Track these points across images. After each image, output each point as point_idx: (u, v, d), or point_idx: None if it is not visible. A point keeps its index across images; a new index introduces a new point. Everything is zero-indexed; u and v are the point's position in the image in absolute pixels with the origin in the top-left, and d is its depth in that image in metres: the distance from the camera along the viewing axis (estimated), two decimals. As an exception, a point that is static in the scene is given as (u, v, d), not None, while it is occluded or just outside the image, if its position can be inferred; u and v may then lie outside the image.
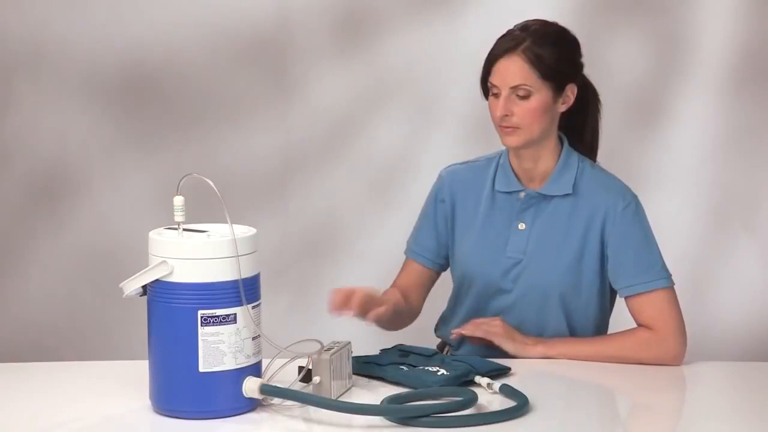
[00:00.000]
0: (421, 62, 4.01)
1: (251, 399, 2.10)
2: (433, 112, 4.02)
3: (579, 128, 2.62)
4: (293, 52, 4.12)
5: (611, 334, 2.58)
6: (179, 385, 2.08)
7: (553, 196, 2.54)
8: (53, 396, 2.26)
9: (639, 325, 2.50)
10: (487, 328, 2.51)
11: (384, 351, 2.40)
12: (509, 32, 2.52)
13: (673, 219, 4.02)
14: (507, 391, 2.16)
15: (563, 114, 2.56)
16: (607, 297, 2.60)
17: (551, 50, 2.49)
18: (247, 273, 2.08)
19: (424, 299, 2.72)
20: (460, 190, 2.64)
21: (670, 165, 4.01)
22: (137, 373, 2.22)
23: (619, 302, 2.62)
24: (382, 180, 4.08)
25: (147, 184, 4.11)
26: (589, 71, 2.65)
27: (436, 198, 2.67)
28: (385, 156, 4.07)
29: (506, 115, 2.48)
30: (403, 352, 2.38)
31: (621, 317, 2.60)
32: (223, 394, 2.08)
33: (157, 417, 2.11)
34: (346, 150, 4.09)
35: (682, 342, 2.47)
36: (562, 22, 2.64)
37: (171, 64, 4.13)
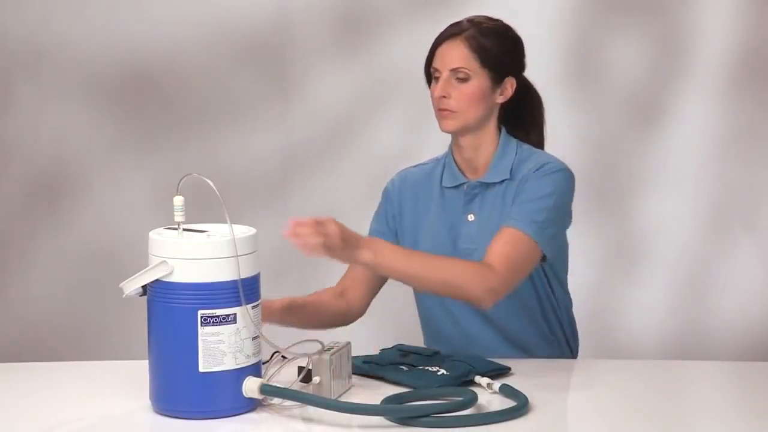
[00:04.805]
0: (421, 62, 4.01)
1: (251, 399, 2.10)
2: (432, 112, 4.02)
3: (525, 131, 2.62)
4: (293, 52, 4.12)
5: (447, 258, 2.50)
6: (179, 385, 2.08)
7: (493, 184, 2.55)
8: (53, 396, 2.26)
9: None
10: (326, 240, 2.22)
11: (384, 351, 2.40)
12: (456, 22, 2.57)
13: (673, 219, 4.02)
14: (507, 391, 2.16)
15: (503, 108, 2.58)
16: (557, 270, 2.60)
17: (494, 41, 2.53)
18: (246, 273, 2.08)
19: (367, 297, 2.65)
20: (409, 190, 2.66)
21: (670, 165, 4.01)
22: (137, 373, 2.22)
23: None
24: (382, 180, 4.06)
25: (147, 184, 4.12)
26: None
27: (386, 198, 2.70)
28: (385, 156, 4.07)
29: (443, 97, 2.52)
30: (403, 352, 2.38)
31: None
32: (223, 394, 2.08)
33: (157, 417, 2.11)
34: (346, 150, 4.09)
35: (501, 282, 2.38)
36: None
37: (171, 64, 4.13)
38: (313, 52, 4.11)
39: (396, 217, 2.67)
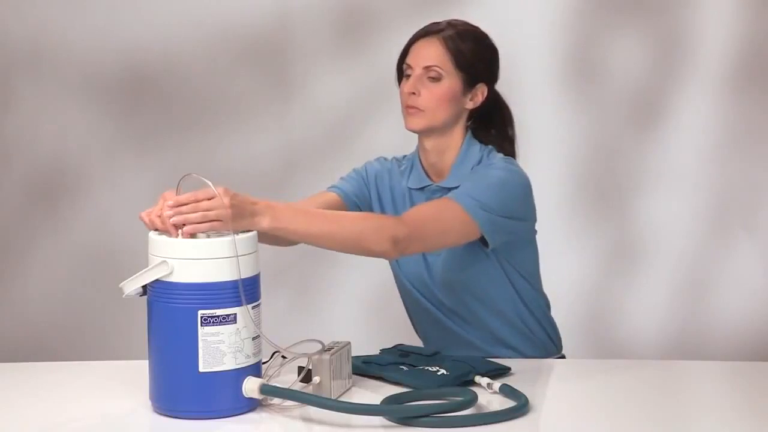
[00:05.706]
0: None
1: (251, 399, 2.09)
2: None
3: (498, 144, 2.59)
4: (293, 52, 4.13)
5: (351, 213, 2.46)
6: (179, 385, 2.07)
7: (452, 188, 2.51)
8: (53, 396, 2.26)
9: None
10: (215, 214, 2.09)
11: (384, 351, 2.40)
12: (435, 22, 2.57)
13: (673, 219, 4.02)
14: (507, 391, 2.16)
15: (473, 119, 2.56)
16: (522, 269, 2.57)
17: (470, 45, 2.53)
18: (247, 273, 2.08)
19: None
20: (386, 178, 2.65)
21: (670, 165, 4.01)
22: (137, 373, 2.22)
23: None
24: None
25: (147, 184, 4.12)
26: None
27: (364, 172, 2.68)
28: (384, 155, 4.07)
29: (413, 94, 2.51)
30: (403, 352, 2.38)
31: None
32: (223, 394, 2.08)
33: (157, 417, 2.10)
34: (346, 150, 4.09)
35: (405, 231, 2.30)
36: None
37: (170, 64, 4.13)
38: (313, 52, 4.11)
39: (371, 191, 2.65)
